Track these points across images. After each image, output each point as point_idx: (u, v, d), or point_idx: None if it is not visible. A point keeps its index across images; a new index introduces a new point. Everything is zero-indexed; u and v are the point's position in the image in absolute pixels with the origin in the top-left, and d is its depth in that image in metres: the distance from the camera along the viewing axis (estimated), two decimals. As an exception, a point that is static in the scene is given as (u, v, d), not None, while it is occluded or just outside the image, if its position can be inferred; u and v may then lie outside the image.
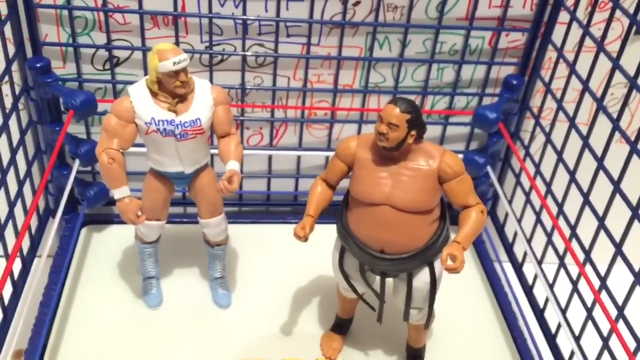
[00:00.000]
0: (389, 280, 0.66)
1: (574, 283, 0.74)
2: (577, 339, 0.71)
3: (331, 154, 0.91)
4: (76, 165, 0.77)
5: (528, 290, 0.86)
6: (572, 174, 0.76)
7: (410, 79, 0.90)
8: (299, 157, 0.93)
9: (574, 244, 0.75)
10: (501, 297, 0.84)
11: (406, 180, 0.59)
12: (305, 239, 0.60)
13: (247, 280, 0.81)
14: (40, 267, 0.71)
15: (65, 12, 0.77)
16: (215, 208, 0.71)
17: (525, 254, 0.87)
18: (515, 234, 0.91)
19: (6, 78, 0.72)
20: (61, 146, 0.82)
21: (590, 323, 0.71)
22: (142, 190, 0.70)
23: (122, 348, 0.71)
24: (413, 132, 0.58)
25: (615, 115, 0.67)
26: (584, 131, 0.74)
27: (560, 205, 0.78)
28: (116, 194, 0.64)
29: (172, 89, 0.63)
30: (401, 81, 0.89)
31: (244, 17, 0.80)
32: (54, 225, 0.72)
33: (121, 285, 0.79)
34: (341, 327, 0.75)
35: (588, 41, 0.74)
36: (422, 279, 0.63)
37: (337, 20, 0.83)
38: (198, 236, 0.77)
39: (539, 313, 0.82)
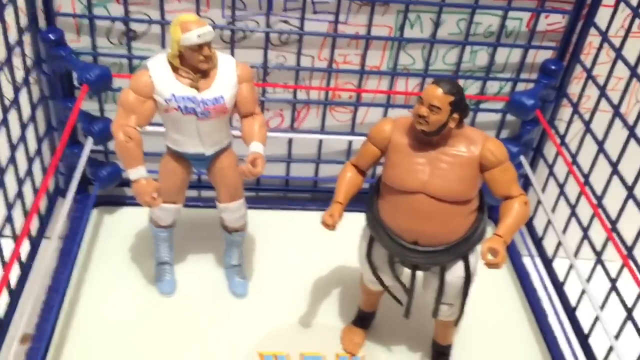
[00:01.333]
0: (419, 274, 0.62)
1: (613, 280, 0.70)
2: (615, 338, 0.67)
3: (355, 138, 0.88)
4: (89, 143, 0.73)
5: (559, 286, 0.82)
6: (614, 165, 0.71)
7: (442, 61, 0.85)
8: (320, 142, 0.89)
9: (615, 238, 0.70)
10: (530, 293, 0.80)
11: (445, 167, 0.54)
12: (334, 227, 0.56)
13: (264, 269, 0.77)
14: (50, 250, 0.67)
15: (80, -18, 0.72)
16: (236, 192, 0.67)
17: (557, 248, 0.83)
18: (546, 228, 0.86)
19: (18, 50, 0.68)
20: (74, 123, 0.78)
21: (629, 323, 0.67)
22: (158, 171, 0.66)
23: (133, 336, 0.68)
24: (455, 116, 0.54)
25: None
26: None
27: (599, 198, 0.74)
28: (132, 174, 0.60)
29: (194, 64, 0.58)
30: (432, 63, 0.84)
31: (269, -10, 0.75)
32: (64, 206, 0.69)
33: (133, 270, 0.75)
34: (363, 320, 0.71)
35: (634, 26, 0.69)
36: (456, 273, 0.59)
37: (367, -4, 0.78)
38: (215, 221, 0.73)
39: (570, 311, 0.78)
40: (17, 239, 0.61)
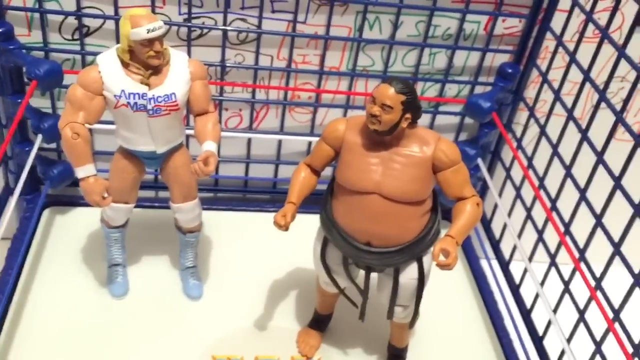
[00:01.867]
0: (374, 275, 0.61)
1: (566, 283, 0.71)
2: (568, 340, 0.68)
3: (314, 139, 0.87)
4: (38, 141, 0.71)
5: (515, 288, 0.83)
6: (568, 168, 0.72)
7: (401, 63, 0.85)
8: (279, 142, 0.88)
9: (567, 241, 0.71)
10: (487, 295, 0.81)
11: (398, 167, 0.54)
12: (286, 228, 0.55)
13: (220, 271, 0.76)
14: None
15: (30, -26, 0.70)
16: (189, 192, 0.66)
17: (513, 251, 0.84)
18: (503, 231, 0.87)
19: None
20: (24, 121, 0.76)
21: (582, 325, 0.67)
22: (109, 170, 0.64)
23: (84, 340, 0.66)
24: (408, 115, 0.53)
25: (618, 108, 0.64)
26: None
27: (554, 200, 0.75)
28: (80, 172, 0.58)
29: (145, 60, 0.57)
30: (391, 65, 0.84)
31: (226, -12, 0.74)
32: (11, 205, 0.66)
33: (84, 272, 0.73)
34: (319, 323, 0.70)
35: (588, 31, 0.71)
36: (409, 274, 0.59)
37: (326, -4, 0.78)
38: (169, 222, 0.72)
39: (525, 313, 0.79)
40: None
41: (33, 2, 0.72)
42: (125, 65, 0.58)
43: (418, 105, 0.54)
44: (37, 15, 0.73)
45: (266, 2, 0.77)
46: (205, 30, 0.78)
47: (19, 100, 0.73)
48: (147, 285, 0.72)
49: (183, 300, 0.72)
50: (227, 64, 0.80)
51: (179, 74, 0.59)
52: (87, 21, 0.75)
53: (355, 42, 0.81)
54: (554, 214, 0.74)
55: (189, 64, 0.60)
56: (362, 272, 0.61)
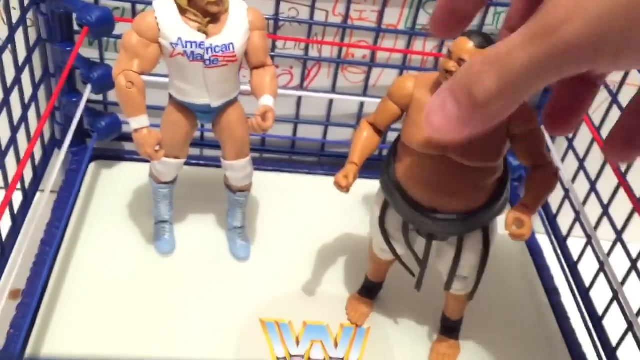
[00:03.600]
0: (434, 244, 0.58)
1: (634, 261, 0.67)
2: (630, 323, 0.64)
3: (367, 100, 0.83)
4: (87, 91, 0.69)
5: (572, 265, 0.79)
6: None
7: (462, 23, 0.80)
8: (330, 103, 0.85)
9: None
10: (544, 271, 0.77)
11: None
12: (348, 190, 0.52)
13: (268, 233, 0.74)
14: (44, 202, 0.63)
15: None
16: (242, 149, 0.63)
17: (573, 224, 0.80)
18: (562, 204, 0.83)
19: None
20: (72, 70, 0.74)
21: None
22: (161, 124, 0.62)
23: (129, 296, 0.64)
24: None
25: None
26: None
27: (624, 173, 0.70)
28: (133, 123, 0.56)
29: (204, 6, 0.54)
30: (452, 25, 0.79)
31: (285, -64, 0.70)
32: (59, 158, 0.64)
33: (131, 228, 0.71)
34: (370, 290, 0.68)
35: None
36: (474, 245, 0.56)
37: (389, -52, 0.73)
38: (216, 180, 0.70)
39: (584, 291, 0.75)
40: (8, 187, 0.57)
41: (84, -54, 0.69)
42: (182, 11, 0.55)
43: None
44: (87, -40, 0.70)
45: (325, -48, 0.73)
46: (259, -19, 0.74)
47: (69, 49, 0.70)
48: (193, 243, 0.70)
49: (230, 260, 0.70)
50: (281, 18, 0.77)
51: (238, 24, 0.56)
52: (138, -32, 0.72)
53: (416, -2, 0.77)
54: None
55: (248, 13, 0.57)
56: (421, 240, 0.58)
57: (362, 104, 0.84)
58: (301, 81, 0.83)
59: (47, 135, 0.78)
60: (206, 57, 0.55)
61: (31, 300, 0.61)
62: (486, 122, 0.32)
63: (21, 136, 0.67)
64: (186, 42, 0.54)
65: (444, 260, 0.58)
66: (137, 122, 0.56)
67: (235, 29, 0.56)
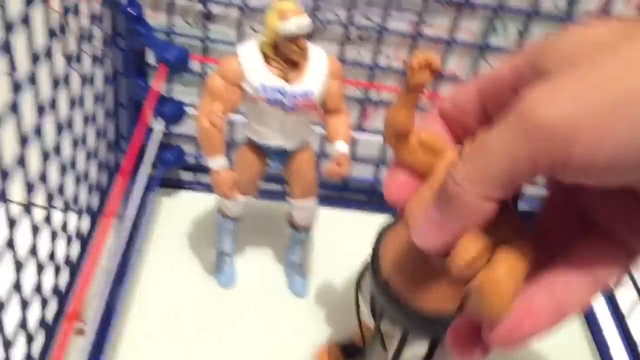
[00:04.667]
0: None
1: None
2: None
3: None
4: (160, 126, 0.71)
5: (620, 318, 0.79)
6: None
7: (520, 72, 0.82)
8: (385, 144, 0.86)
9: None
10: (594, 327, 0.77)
11: None
12: None
13: (325, 270, 0.75)
14: (111, 228, 0.65)
15: (164, -43, 0.70)
16: (310, 190, 0.65)
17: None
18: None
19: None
20: (141, 102, 0.77)
21: None
22: (233, 162, 0.64)
23: (189, 326, 0.66)
24: None
25: None
26: None
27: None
28: (212, 163, 0.58)
29: (288, 55, 0.56)
30: (511, 74, 0.81)
31: (356, -16, 0.73)
32: (135, 189, 0.66)
33: (191, 257, 0.73)
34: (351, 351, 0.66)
35: None
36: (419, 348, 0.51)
37: (455, -1, 0.75)
38: (278, 215, 0.71)
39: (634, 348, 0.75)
40: (99, 218, 0.58)
41: (162, -15, 0.72)
42: (266, 58, 0.57)
43: None
44: (164, -2, 0.73)
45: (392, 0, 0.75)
46: (325, 24, 0.77)
47: (141, 82, 0.73)
48: (253, 276, 0.72)
49: (288, 295, 0.71)
50: (346, 60, 0.79)
51: (318, 71, 0.58)
52: (211, 7, 0.74)
53: (479, 48, 0.78)
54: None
55: (327, 60, 0.59)
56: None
57: (416, 146, 0.86)
58: (359, 121, 0.85)
59: (111, 160, 0.81)
60: (286, 103, 0.57)
61: (97, 330, 0.63)
62: (463, 219, 0.31)
63: (79, 159, 0.69)
64: (268, 88, 0.56)
65: (392, 343, 0.53)
66: (215, 162, 0.58)
67: (315, 77, 0.58)
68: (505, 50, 0.79)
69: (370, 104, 0.83)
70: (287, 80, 0.57)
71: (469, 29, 0.78)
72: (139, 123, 0.63)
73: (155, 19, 0.74)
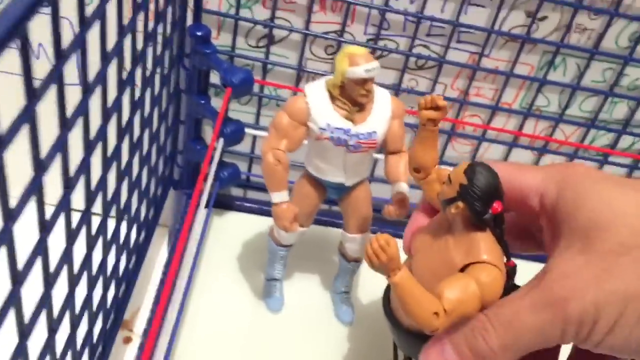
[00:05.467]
0: None
1: None
2: None
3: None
4: (220, 145, 0.72)
5: None
6: None
7: (578, 108, 0.81)
8: (435, 169, 0.86)
9: None
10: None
11: (435, 251, 0.46)
12: None
13: (372, 300, 0.76)
14: (164, 242, 0.67)
15: (232, -18, 0.71)
16: (365, 225, 0.66)
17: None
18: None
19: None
20: (200, 120, 0.78)
21: None
22: (292, 193, 0.65)
23: (236, 347, 0.67)
24: (459, 204, 0.43)
25: None
26: None
27: None
28: (275, 197, 0.59)
29: (355, 97, 0.57)
30: (567, 108, 0.81)
31: (419, 15, 0.73)
32: (200, 212, 0.68)
33: (240, 280, 0.75)
34: None
35: None
36: None
37: (517, 33, 0.75)
38: (327, 242, 0.72)
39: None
40: (177, 245, 0.60)
41: (227, 7, 0.73)
42: (332, 98, 0.58)
43: (477, 209, 0.43)
44: (228, 19, 0.74)
45: (453, 32, 0.75)
46: (385, 53, 0.77)
47: (202, 101, 0.75)
48: (301, 302, 0.73)
49: (335, 323, 0.72)
50: (402, 88, 0.79)
51: (382, 112, 0.59)
52: (274, 30, 0.75)
53: (538, 82, 0.78)
54: None
55: (391, 102, 0.60)
56: None
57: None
58: (410, 146, 0.85)
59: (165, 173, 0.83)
60: (350, 142, 0.58)
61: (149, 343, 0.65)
62: None
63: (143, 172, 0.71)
64: (334, 128, 0.57)
65: None
66: (278, 197, 0.59)
67: (379, 118, 0.59)
68: (563, 86, 0.79)
69: (423, 130, 0.84)
70: (352, 120, 0.58)
71: (529, 62, 0.78)
72: (208, 154, 0.64)
73: (218, 39, 0.76)
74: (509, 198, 0.44)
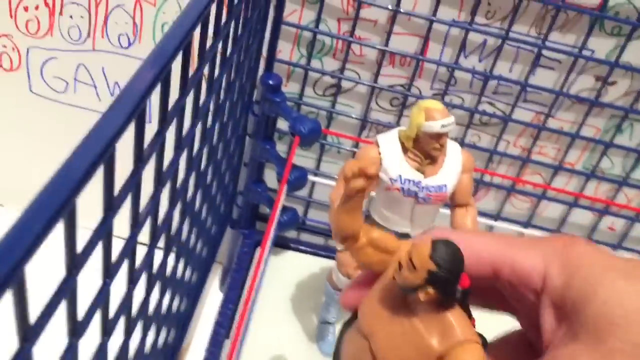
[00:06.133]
0: None
1: None
2: None
3: (528, 232, 0.85)
4: (284, 191, 0.74)
5: None
6: None
7: (641, 172, 0.81)
8: (490, 228, 0.86)
9: None
10: None
11: (399, 335, 0.43)
12: None
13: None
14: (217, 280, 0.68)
15: (305, 33, 0.74)
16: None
17: None
18: None
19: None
20: (263, 163, 0.80)
21: None
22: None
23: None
24: (429, 290, 0.39)
25: None
26: None
27: None
28: (340, 245, 0.60)
29: (428, 151, 0.58)
30: (631, 171, 0.80)
31: (487, 74, 0.74)
32: (263, 255, 0.69)
33: (293, 321, 0.75)
34: None
35: None
36: None
37: (585, 96, 0.75)
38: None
39: None
40: (248, 288, 0.59)
41: (299, 57, 0.76)
42: (404, 150, 0.59)
43: (450, 290, 0.38)
44: (298, 69, 0.77)
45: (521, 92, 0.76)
46: (450, 108, 0.78)
47: (267, 147, 0.76)
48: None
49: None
50: (466, 142, 0.80)
51: (453, 166, 0.60)
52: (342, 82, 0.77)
53: (603, 145, 0.78)
54: None
55: (462, 155, 0.60)
56: None
57: (522, 234, 0.85)
58: (468, 201, 0.85)
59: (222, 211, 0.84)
60: (420, 195, 0.58)
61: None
62: None
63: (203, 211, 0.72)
64: (405, 179, 0.58)
65: None
66: (343, 245, 0.59)
67: (450, 171, 0.59)
68: (629, 150, 0.78)
69: (483, 186, 0.84)
70: (423, 173, 0.58)
71: (595, 125, 0.78)
72: (277, 199, 0.65)
73: (287, 87, 0.78)
74: (499, 274, 0.42)
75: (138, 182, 0.36)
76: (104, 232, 0.32)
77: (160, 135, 0.37)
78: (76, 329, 0.31)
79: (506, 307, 0.46)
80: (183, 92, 0.41)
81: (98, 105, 0.78)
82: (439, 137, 0.57)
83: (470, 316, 0.42)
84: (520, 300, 0.44)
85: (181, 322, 0.68)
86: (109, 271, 0.35)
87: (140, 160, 0.35)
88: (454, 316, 0.41)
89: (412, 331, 0.42)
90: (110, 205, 0.32)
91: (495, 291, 0.46)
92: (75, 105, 0.78)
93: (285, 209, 0.81)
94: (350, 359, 0.47)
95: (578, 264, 0.40)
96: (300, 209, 0.86)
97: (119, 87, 0.77)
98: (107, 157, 0.29)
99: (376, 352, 0.44)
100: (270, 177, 0.82)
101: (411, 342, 0.42)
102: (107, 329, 0.37)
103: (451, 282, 0.40)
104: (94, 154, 0.27)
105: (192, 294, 0.71)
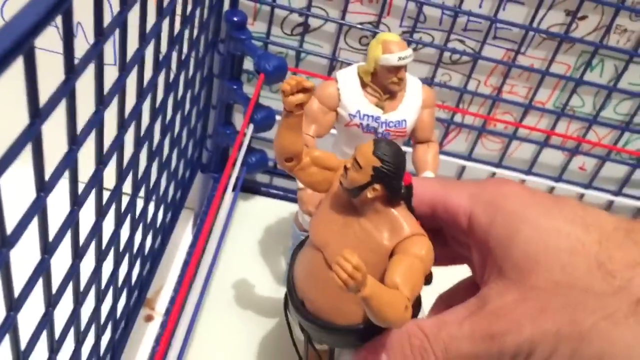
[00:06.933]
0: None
1: None
2: None
3: (501, 171, 0.85)
4: (250, 131, 0.73)
5: None
6: None
7: (612, 110, 0.80)
8: (463, 168, 0.86)
9: None
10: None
11: (352, 239, 0.43)
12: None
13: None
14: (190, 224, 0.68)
15: (270, -32, 0.72)
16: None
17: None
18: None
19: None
20: (231, 105, 0.79)
21: None
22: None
23: (256, 339, 0.68)
24: (377, 187, 0.42)
25: None
26: None
27: None
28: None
29: (386, 85, 0.57)
30: (602, 110, 0.79)
31: (457, 9, 0.72)
32: (201, 180, 0.68)
33: (262, 265, 0.75)
34: None
35: None
36: None
37: (555, 32, 0.74)
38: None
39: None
40: (203, 226, 0.60)
41: (265, -6, 0.74)
42: (363, 85, 0.58)
43: (396, 186, 0.42)
44: (265, 7, 0.75)
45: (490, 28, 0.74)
46: (419, 46, 0.77)
47: (234, 87, 0.75)
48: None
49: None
50: (435, 82, 0.79)
51: (412, 101, 0.59)
52: (310, 20, 0.76)
53: (574, 82, 0.77)
54: None
55: (423, 91, 0.59)
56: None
57: (494, 174, 0.85)
58: (440, 143, 0.85)
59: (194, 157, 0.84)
60: (379, 130, 0.58)
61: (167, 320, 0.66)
62: None
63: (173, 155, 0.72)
64: (363, 114, 0.57)
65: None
66: (304, 181, 0.59)
67: (410, 107, 0.59)
68: (599, 87, 0.77)
69: (454, 127, 0.83)
70: (382, 108, 0.58)
71: (565, 62, 0.77)
72: (238, 138, 0.65)
73: (253, 26, 0.76)
74: (436, 214, 0.44)
75: (101, 119, 0.39)
76: (70, 160, 0.36)
77: (97, 48, 0.37)
78: (48, 248, 0.36)
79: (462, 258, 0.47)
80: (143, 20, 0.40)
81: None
82: (396, 70, 0.56)
83: (416, 217, 0.43)
84: (458, 242, 0.45)
85: (149, 261, 0.68)
86: (76, 199, 0.39)
87: (101, 102, 0.39)
88: (400, 213, 0.42)
89: (363, 233, 0.44)
90: (74, 141, 0.36)
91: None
92: None
93: (253, 150, 0.80)
94: (305, 274, 0.48)
95: (502, 203, 0.40)
96: (272, 153, 0.86)
97: None
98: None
99: (330, 259, 0.45)
100: (240, 120, 0.81)
101: (363, 243, 0.44)
102: (79, 253, 0.41)
103: (396, 177, 0.42)
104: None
105: (161, 235, 0.71)
